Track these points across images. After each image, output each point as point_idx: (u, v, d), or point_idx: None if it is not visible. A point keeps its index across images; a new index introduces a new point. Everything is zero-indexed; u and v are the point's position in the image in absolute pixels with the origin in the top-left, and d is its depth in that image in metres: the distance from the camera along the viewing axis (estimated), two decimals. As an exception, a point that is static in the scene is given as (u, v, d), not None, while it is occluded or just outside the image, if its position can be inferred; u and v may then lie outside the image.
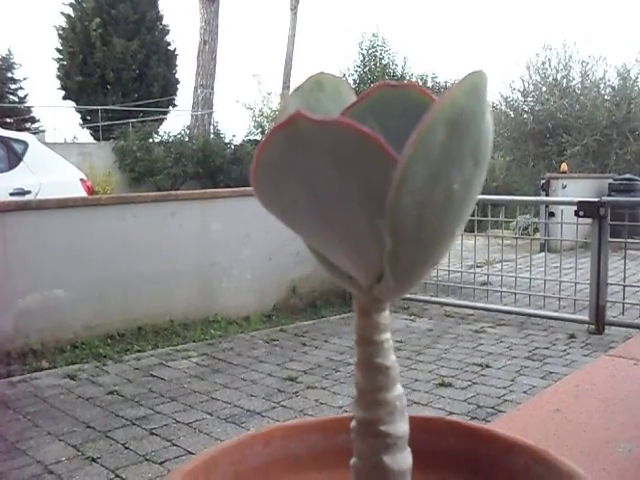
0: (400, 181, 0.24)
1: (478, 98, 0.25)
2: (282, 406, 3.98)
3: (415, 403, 3.99)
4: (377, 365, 0.32)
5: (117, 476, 3.08)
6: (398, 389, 0.33)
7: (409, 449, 0.34)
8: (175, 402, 4.07)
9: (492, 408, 3.85)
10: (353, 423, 0.34)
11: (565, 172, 10.04)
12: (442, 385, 4.29)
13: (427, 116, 0.24)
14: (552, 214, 7.23)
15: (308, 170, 0.26)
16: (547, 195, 9.01)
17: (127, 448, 3.38)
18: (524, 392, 4.10)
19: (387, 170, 0.25)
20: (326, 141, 0.25)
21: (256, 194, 0.28)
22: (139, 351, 5.09)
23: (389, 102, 0.29)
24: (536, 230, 9.11)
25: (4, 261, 4.76)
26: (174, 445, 3.44)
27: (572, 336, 5.34)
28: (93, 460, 3.23)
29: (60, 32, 20.62)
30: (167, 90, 20.80)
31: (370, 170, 0.25)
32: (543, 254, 6.62)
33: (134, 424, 3.70)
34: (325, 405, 3.96)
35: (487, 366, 4.65)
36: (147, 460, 3.26)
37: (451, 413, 3.80)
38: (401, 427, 0.33)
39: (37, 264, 4.90)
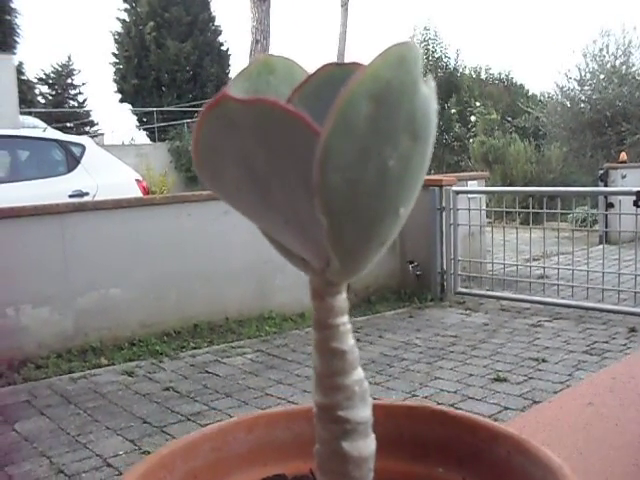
0: (323, 157, 0.24)
1: (407, 70, 0.24)
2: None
3: (470, 398, 3.94)
4: (333, 349, 0.32)
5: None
6: (357, 374, 0.32)
7: (373, 435, 0.33)
8: (230, 398, 4.11)
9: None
10: (314, 408, 0.33)
11: (625, 161, 9.72)
12: (497, 380, 4.22)
13: (346, 88, 0.23)
14: (611, 205, 7.04)
15: (242, 151, 0.26)
16: (606, 186, 8.76)
17: (182, 443, 3.43)
18: (582, 387, 4.01)
19: (314, 147, 0.24)
20: (254, 120, 0.24)
21: (200, 177, 0.28)
22: (195, 348, 5.16)
23: (336, 82, 0.29)
24: (594, 222, 8.87)
25: (63, 261, 4.90)
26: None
27: (632, 330, 5.18)
28: (149, 454, 3.29)
29: (116, 37, 21.11)
30: (220, 90, 21.06)
31: (299, 147, 0.25)
32: (601, 246, 6.44)
33: (189, 419, 3.76)
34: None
35: (543, 360, 4.55)
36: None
37: (506, 408, 3.74)
38: (361, 412, 0.33)
39: (94, 264, 5.03)
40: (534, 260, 6.78)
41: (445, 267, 6.50)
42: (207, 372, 4.63)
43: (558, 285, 6.03)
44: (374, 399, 0.28)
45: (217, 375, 4.56)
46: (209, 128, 0.25)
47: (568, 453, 0.77)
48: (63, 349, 4.84)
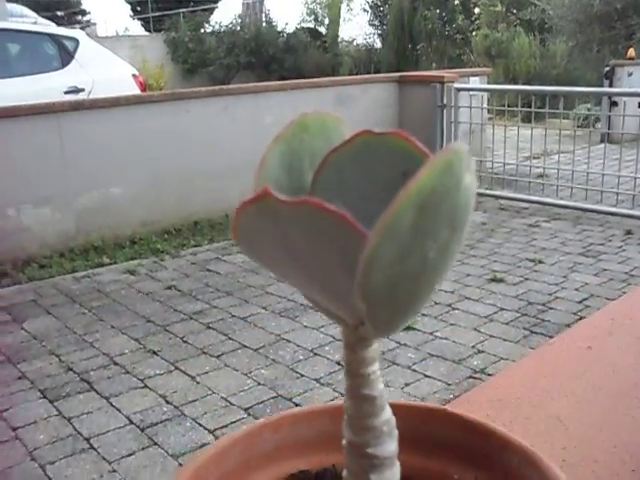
0: (368, 261, 0.24)
1: (451, 174, 0.24)
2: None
3: (466, 298, 4.03)
4: (364, 395, 0.33)
5: (177, 368, 3.24)
6: (386, 414, 0.34)
7: (397, 464, 0.36)
8: (231, 297, 4.20)
9: (543, 305, 3.87)
10: (344, 442, 0.35)
11: (632, 58, 9.46)
12: (494, 280, 4.30)
13: (394, 202, 0.23)
14: (615, 104, 6.93)
15: (283, 236, 0.26)
16: (611, 83, 8.57)
17: (185, 342, 3.54)
18: (576, 289, 4.09)
19: (357, 243, 0.25)
20: (296, 217, 0.25)
21: (239, 247, 0.29)
22: (195, 246, 5.21)
23: (372, 148, 0.29)
24: (597, 120, 8.76)
25: (62, 161, 4.87)
26: (230, 339, 3.58)
27: (629, 232, 5.22)
28: (154, 353, 3.40)
29: None
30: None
31: (341, 242, 0.25)
32: (603, 145, 6.40)
33: (191, 318, 3.85)
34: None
35: (540, 262, 4.63)
36: (204, 353, 3.40)
37: (502, 309, 3.83)
38: (388, 447, 0.35)
39: (94, 163, 5.00)
40: (534, 159, 6.75)
41: (445, 165, 6.48)
42: (208, 270, 4.70)
43: (557, 185, 6.03)
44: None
45: (218, 273, 4.64)
46: (249, 217, 0.26)
47: (566, 401, 0.81)
48: (65, 248, 4.89)
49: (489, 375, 3.08)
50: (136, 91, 6.63)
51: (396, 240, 0.24)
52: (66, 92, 6.19)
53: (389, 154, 0.28)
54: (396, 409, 0.45)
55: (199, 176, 5.51)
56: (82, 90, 6.34)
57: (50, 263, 4.71)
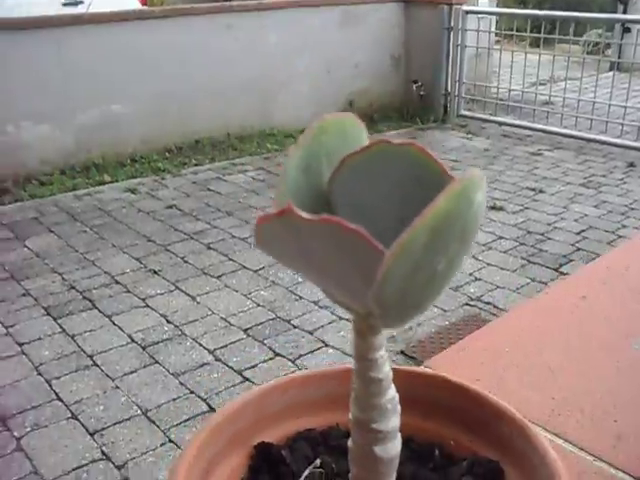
0: (383, 278, 0.26)
1: (466, 199, 0.25)
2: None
3: (465, 226, 4.06)
4: (371, 377, 0.36)
5: (177, 288, 3.30)
6: (390, 393, 0.37)
7: (399, 435, 0.38)
8: (231, 217, 4.21)
9: (542, 235, 3.90)
10: (350, 416, 0.38)
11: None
12: (494, 208, 4.32)
13: (411, 226, 0.25)
14: (627, 30, 6.77)
15: (302, 247, 0.28)
16: (625, 8, 8.35)
17: (186, 262, 3.58)
18: (575, 220, 4.11)
19: (374, 257, 0.26)
20: (317, 232, 0.26)
21: (259, 248, 0.31)
22: (196, 165, 5.20)
23: (388, 155, 0.30)
24: (607, 47, 8.57)
25: (61, 77, 4.79)
26: (230, 260, 3.62)
27: (631, 165, 5.20)
28: (155, 272, 3.45)
29: None
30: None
31: (358, 255, 0.27)
32: (611, 73, 6.29)
33: (192, 238, 3.88)
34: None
35: (541, 191, 4.63)
36: (205, 274, 3.45)
37: (501, 237, 3.86)
38: (392, 423, 0.37)
39: (94, 80, 4.92)
40: (540, 85, 6.64)
41: (449, 89, 6.40)
42: (209, 190, 4.71)
43: (562, 114, 5.96)
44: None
45: (219, 193, 4.64)
46: (271, 228, 0.27)
47: (558, 351, 0.84)
48: (66, 166, 4.88)
49: (486, 303, 3.14)
50: (137, 6, 6.46)
51: (410, 259, 0.26)
52: (64, 4, 6.03)
53: (404, 161, 0.29)
54: (398, 373, 0.48)
55: (200, 94, 5.43)
56: (81, 2, 6.17)
57: (51, 180, 4.70)
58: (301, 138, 0.31)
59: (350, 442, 0.39)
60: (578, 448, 0.67)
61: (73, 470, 2.11)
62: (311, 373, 0.49)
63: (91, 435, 2.27)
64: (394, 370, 0.48)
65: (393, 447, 0.37)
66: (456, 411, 0.48)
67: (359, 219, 0.33)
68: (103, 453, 2.19)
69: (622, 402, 0.73)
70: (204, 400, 2.46)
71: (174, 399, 2.47)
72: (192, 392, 2.51)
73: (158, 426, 2.33)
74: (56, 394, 2.48)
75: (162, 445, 2.24)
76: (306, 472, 0.45)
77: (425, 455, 0.48)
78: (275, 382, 0.48)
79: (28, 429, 2.29)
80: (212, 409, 2.40)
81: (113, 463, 2.15)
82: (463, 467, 0.45)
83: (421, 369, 0.48)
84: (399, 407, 0.38)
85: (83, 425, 2.31)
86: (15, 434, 2.27)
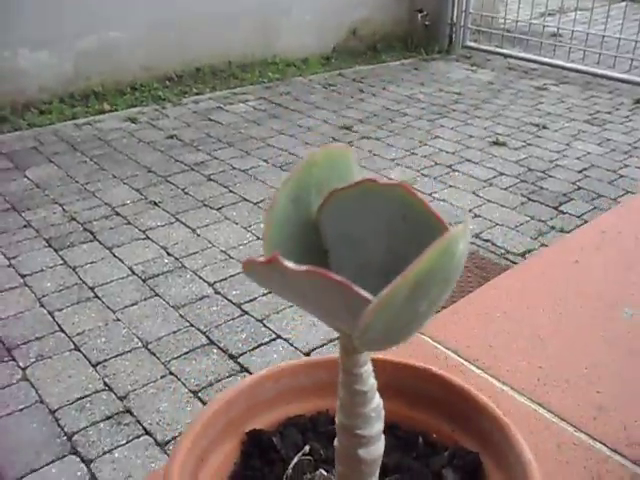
0: (365, 326, 0.27)
1: (449, 254, 0.26)
2: (335, 157, 4.07)
3: (467, 161, 4.05)
4: (355, 390, 0.37)
5: (177, 220, 3.31)
6: (375, 402, 0.38)
7: (383, 438, 0.40)
8: (232, 148, 4.20)
9: (543, 172, 3.89)
10: (337, 421, 0.40)
11: None
12: (496, 144, 4.30)
13: (393, 283, 0.26)
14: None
15: (289, 287, 0.29)
16: None
17: (186, 193, 3.59)
18: (577, 158, 4.10)
19: (359, 303, 0.27)
20: (302, 281, 0.27)
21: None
22: (197, 94, 5.14)
23: (375, 194, 0.31)
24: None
25: (58, 2, 4.68)
26: (231, 192, 3.62)
27: (638, 102, 5.11)
28: (155, 204, 3.46)
29: None
30: None
31: (345, 300, 0.28)
32: (624, 4, 6.14)
33: (193, 169, 3.88)
34: (378, 157, 4.04)
35: (544, 127, 4.59)
36: (205, 206, 3.46)
37: (502, 174, 3.86)
38: (375, 428, 0.39)
39: (92, 5, 4.81)
40: (549, 15, 6.50)
41: (455, 19, 6.26)
42: (210, 120, 4.67)
43: (570, 47, 5.85)
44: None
45: (220, 123, 4.60)
46: (257, 270, 0.28)
47: (548, 318, 0.86)
48: (65, 93, 4.82)
49: (484, 241, 3.16)
50: None
51: (392, 309, 0.27)
52: None
53: (391, 200, 0.30)
54: (385, 364, 0.50)
55: (201, 21, 5.31)
56: None
57: (50, 109, 4.65)
58: (292, 170, 0.32)
59: (336, 442, 0.41)
60: (560, 418, 0.69)
61: (77, 400, 2.18)
62: (300, 362, 0.51)
63: (93, 366, 2.33)
64: (383, 361, 0.50)
65: (376, 449, 0.40)
66: (440, 403, 0.50)
67: (347, 248, 0.34)
68: (105, 384, 2.25)
69: (606, 373, 0.76)
70: (204, 333, 2.51)
71: (174, 332, 2.52)
72: (192, 325, 2.56)
73: (158, 358, 2.38)
74: (59, 326, 2.53)
75: (162, 377, 2.30)
76: (295, 459, 0.47)
77: (410, 443, 0.50)
78: (267, 371, 0.50)
79: (32, 360, 2.35)
80: (212, 342, 2.46)
81: (115, 394, 2.21)
82: (444, 457, 0.48)
83: (408, 361, 0.50)
84: (383, 412, 0.39)
85: (85, 357, 2.37)
86: (20, 364, 2.33)
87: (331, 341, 2.46)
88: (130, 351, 2.41)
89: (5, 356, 2.37)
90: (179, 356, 2.39)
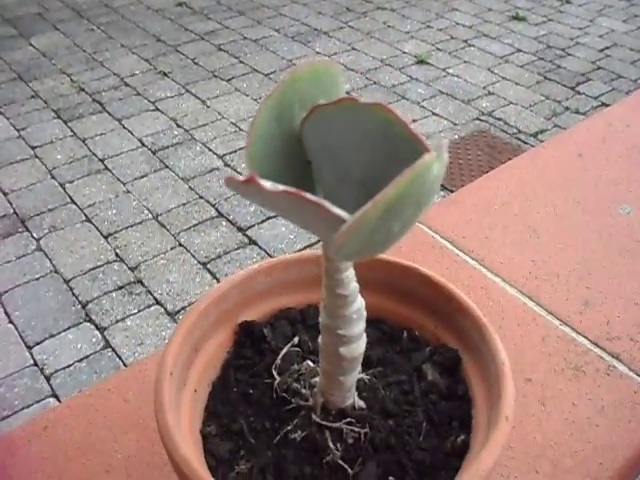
0: (339, 244, 0.28)
1: (420, 180, 0.27)
2: (349, 26, 3.95)
3: (484, 35, 3.92)
4: (337, 294, 0.39)
5: (187, 91, 3.27)
6: (356, 305, 0.40)
7: (364, 337, 0.42)
8: (243, 17, 4.07)
9: (562, 50, 3.76)
10: (320, 321, 0.42)
11: None
12: (515, 18, 4.14)
13: (363, 211, 0.26)
14: None
15: (271, 203, 0.30)
16: None
17: (196, 64, 3.52)
18: (600, 36, 3.94)
19: (334, 223, 0.28)
20: (280, 199, 0.28)
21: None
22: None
23: (356, 112, 0.31)
24: None
25: None
26: (241, 62, 3.54)
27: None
28: (165, 74, 3.40)
29: None
30: None
31: (321, 218, 0.29)
32: None
33: (203, 39, 3.78)
34: (392, 29, 3.92)
35: (567, 1, 4.40)
36: (215, 76, 3.40)
37: (519, 50, 3.74)
38: (356, 329, 0.41)
39: None
40: None
41: None
42: None
43: None
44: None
45: (231, -11, 4.43)
46: (238, 187, 0.29)
47: (546, 212, 0.87)
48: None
49: (497, 119, 3.12)
50: None
51: (365, 231, 0.28)
52: None
53: (371, 119, 0.30)
54: (374, 262, 0.51)
55: None
56: None
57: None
58: (273, 89, 0.32)
59: (320, 340, 0.43)
60: (547, 312, 0.72)
61: (90, 270, 2.24)
62: (292, 257, 0.53)
63: (105, 238, 2.38)
64: (375, 260, 0.51)
65: (357, 348, 0.42)
66: (425, 300, 0.52)
67: (329, 160, 0.35)
68: (117, 255, 2.31)
69: (596, 269, 0.77)
70: (213, 205, 2.54)
71: (184, 204, 2.55)
72: (201, 197, 2.58)
73: (168, 230, 2.43)
74: (70, 197, 2.56)
75: (172, 249, 2.35)
76: (284, 350, 0.50)
77: (394, 338, 0.52)
78: (259, 266, 0.52)
79: (46, 231, 2.40)
80: (221, 214, 2.49)
81: (126, 265, 2.28)
82: (426, 353, 0.50)
83: (398, 260, 0.52)
84: (364, 313, 0.41)
85: (97, 228, 2.42)
86: (34, 235, 2.38)
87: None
88: (140, 223, 2.45)
89: (19, 227, 2.42)
90: (188, 228, 2.43)
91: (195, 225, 2.45)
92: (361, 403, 0.45)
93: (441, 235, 0.82)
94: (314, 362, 0.48)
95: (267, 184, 0.27)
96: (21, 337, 2.01)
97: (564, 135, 1.02)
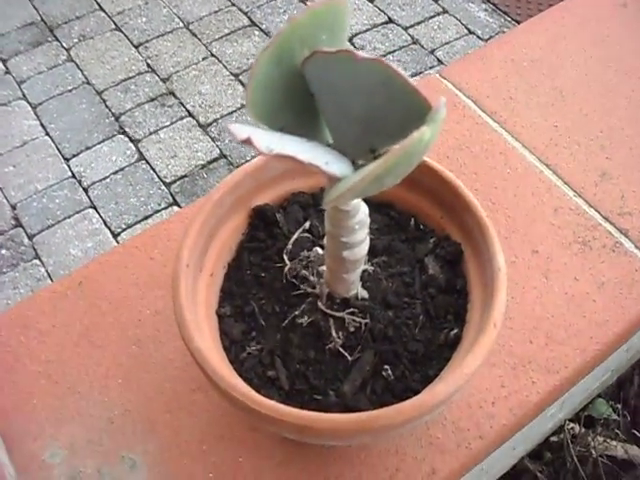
0: (336, 199, 0.30)
1: (413, 154, 0.27)
2: None
3: None
4: (339, 209, 0.40)
5: None
6: (359, 216, 0.41)
7: (367, 240, 0.44)
8: None
9: None
10: (325, 227, 0.44)
11: None
12: None
13: (359, 177, 0.27)
14: None
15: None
16: None
17: None
18: None
19: (332, 178, 0.30)
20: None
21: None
22: None
23: (355, 65, 0.30)
24: None
25: None
26: None
27: None
28: None
29: None
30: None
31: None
32: None
33: None
34: None
35: None
36: None
37: None
38: (359, 237, 0.43)
39: None
40: None
41: None
42: None
43: None
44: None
45: None
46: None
47: (575, 74, 0.84)
48: None
49: None
50: None
51: (359, 190, 0.29)
52: None
53: (370, 70, 0.30)
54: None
55: None
56: None
57: None
58: (274, 36, 0.31)
59: (325, 242, 0.45)
60: (563, 182, 0.72)
61: (122, 82, 2.23)
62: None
63: (136, 47, 2.34)
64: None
65: (359, 251, 0.44)
66: (434, 192, 0.53)
67: (331, 95, 0.35)
68: (148, 66, 2.28)
69: (619, 138, 0.76)
70: (245, 14, 2.45)
71: (215, 12, 2.46)
72: (233, 4, 2.49)
73: (200, 39, 2.37)
74: (98, 4, 2.48)
75: (204, 59, 2.31)
76: (295, 235, 0.52)
77: (401, 225, 0.54)
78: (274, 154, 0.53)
79: (75, 40, 2.36)
80: (253, 23, 2.41)
81: (158, 76, 2.26)
82: (430, 245, 0.52)
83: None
84: (367, 221, 0.43)
85: (127, 37, 2.37)
86: (64, 45, 2.35)
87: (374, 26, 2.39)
88: (171, 32, 2.39)
89: (48, 36, 2.38)
90: (220, 37, 2.37)
91: (227, 34, 2.38)
92: (364, 293, 0.49)
93: (465, 93, 0.81)
94: (323, 248, 0.50)
95: (263, 146, 0.28)
96: (58, 149, 2.06)
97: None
